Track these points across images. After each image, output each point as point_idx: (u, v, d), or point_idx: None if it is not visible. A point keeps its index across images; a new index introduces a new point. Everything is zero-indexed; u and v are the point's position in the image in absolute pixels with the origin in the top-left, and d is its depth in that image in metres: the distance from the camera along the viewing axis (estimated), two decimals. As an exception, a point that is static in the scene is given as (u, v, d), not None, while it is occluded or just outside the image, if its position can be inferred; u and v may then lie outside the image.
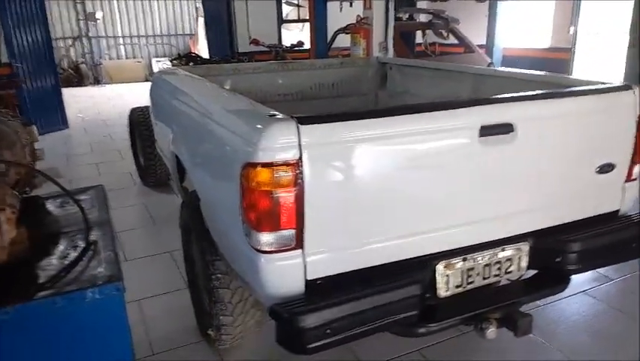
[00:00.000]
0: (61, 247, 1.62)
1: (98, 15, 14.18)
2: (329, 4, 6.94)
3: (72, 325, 1.37)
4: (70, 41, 14.12)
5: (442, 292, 1.91)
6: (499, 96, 1.95)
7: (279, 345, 1.69)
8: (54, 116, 7.87)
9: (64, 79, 11.12)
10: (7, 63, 7.06)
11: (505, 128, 1.84)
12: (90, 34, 14.38)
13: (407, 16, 8.26)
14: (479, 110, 1.83)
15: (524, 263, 2.07)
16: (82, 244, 1.61)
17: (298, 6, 10.06)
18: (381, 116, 1.70)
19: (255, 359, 2.54)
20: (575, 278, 2.19)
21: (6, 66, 7.04)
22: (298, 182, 1.58)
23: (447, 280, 1.91)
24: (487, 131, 1.81)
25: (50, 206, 1.97)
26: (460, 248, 1.92)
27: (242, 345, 2.52)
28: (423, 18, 8.51)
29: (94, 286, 1.37)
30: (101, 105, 10.51)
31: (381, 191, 1.73)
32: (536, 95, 2.01)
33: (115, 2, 14.57)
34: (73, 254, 1.55)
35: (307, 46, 7.78)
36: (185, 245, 2.69)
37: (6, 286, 1.36)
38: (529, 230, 2.04)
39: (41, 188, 2.06)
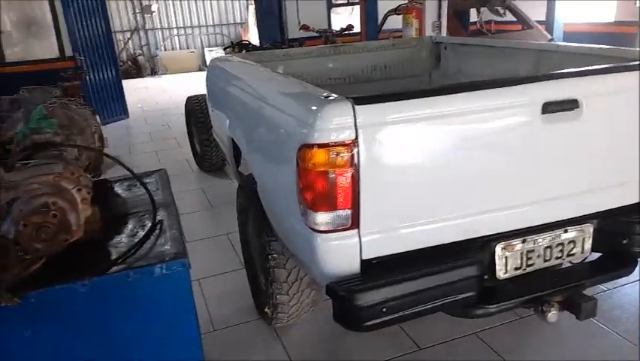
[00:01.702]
0: (130, 226, 1.72)
1: (154, 7, 14.63)
2: (379, -15, 6.83)
3: (142, 298, 1.45)
4: (128, 34, 14.66)
5: (501, 273, 1.87)
6: (562, 71, 1.87)
7: (336, 322, 1.72)
8: (115, 107, 8.25)
9: (123, 71, 11.56)
10: (70, 56, 7.43)
11: (570, 105, 1.77)
12: (146, 27, 14.86)
13: (461, -7, 7.98)
14: (541, 86, 1.76)
15: (588, 245, 2.00)
16: (149, 224, 1.70)
17: (347, -11, 9.94)
18: (438, 95, 1.67)
19: (311, 337, 2.60)
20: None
21: (70, 59, 7.41)
22: (354, 162, 1.59)
23: (505, 262, 1.88)
24: (550, 107, 1.74)
25: (118, 189, 2.08)
26: (520, 229, 1.87)
27: (297, 323, 2.59)
28: (477, -5, 8.20)
29: (162, 262, 1.45)
30: (158, 95, 10.89)
31: (438, 171, 1.72)
32: (602, 69, 1.91)
33: (169, -6, 14.97)
34: (141, 233, 1.64)
35: (357, 29, 7.70)
36: (242, 227, 2.78)
37: (82, 261, 1.46)
38: (594, 211, 1.96)
39: (105, 173, 2.17)
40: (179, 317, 1.51)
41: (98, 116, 2.24)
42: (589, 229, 1.97)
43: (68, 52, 7.42)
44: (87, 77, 7.46)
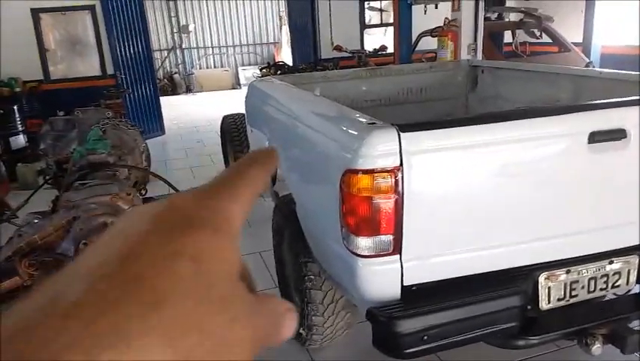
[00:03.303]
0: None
1: (191, 27, 15.07)
2: (413, 7, 6.87)
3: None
4: (165, 52, 15.12)
5: (544, 304, 1.84)
6: (609, 100, 1.85)
7: (375, 347, 1.72)
8: (153, 123, 8.47)
9: (159, 88, 11.92)
10: (112, 74, 7.71)
11: (618, 135, 1.75)
12: (183, 46, 15.31)
13: (496, 15, 7.97)
14: (588, 116, 1.75)
15: (633, 277, 1.95)
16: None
17: (381, 11, 10.04)
18: (482, 123, 1.68)
19: (344, 360, 2.59)
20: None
21: (111, 77, 7.68)
22: (398, 188, 1.61)
23: (549, 292, 1.84)
24: (597, 137, 1.73)
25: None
26: (564, 260, 1.84)
27: (330, 346, 2.59)
28: (513, 17, 8.17)
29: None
30: (193, 113, 11.14)
31: (481, 198, 1.72)
32: (650, 98, 1.89)
33: (206, 14, 15.40)
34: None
35: (390, 50, 7.75)
36: (277, 247, 2.80)
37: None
38: (640, 242, 1.92)
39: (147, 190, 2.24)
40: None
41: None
42: (635, 260, 1.93)
43: (110, 70, 7.70)
44: (128, 95, 7.70)
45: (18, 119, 6.33)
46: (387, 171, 1.59)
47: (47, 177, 2.04)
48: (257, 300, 0.28)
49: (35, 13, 7.18)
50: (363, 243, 1.67)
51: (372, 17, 10.47)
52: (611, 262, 1.90)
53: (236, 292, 0.26)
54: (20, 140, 6.30)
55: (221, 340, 0.23)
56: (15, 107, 6.36)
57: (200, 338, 0.22)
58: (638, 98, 1.87)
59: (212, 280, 0.24)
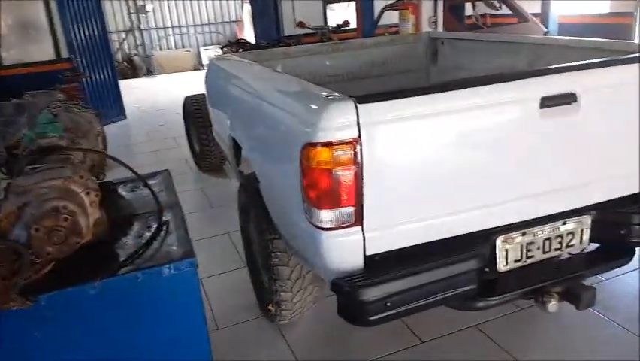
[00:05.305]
0: (136, 228, 1.74)
1: (149, 7, 14.59)
2: (375, -19, 6.84)
3: (151, 298, 1.48)
4: (123, 34, 14.63)
5: (502, 266, 1.91)
6: (559, 65, 1.90)
7: (340, 317, 1.75)
8: (113, 107, 8.25)
9: (119, 71, 11.54)
10: (67, 58, 7.43)
11: (568, 99, 1.80)
12: (141, 27, 14.83)
13: (456, -12, 7.99)
14: (539, 81, 1.79)
15: (586, 237, 2.03)
16: (154, 225, 1.72)
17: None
18: (437, 92, 1.70)
19: (314, 334, 2.63)
20: (638, 252, 2.13)
21: (66, 61, 7.41)
22: (357, 160, 1.62)
23: (506, 255, 1.91)
24: (548, 102, 1.77)
25: (122, 190, 2.10)
26: (519, 222, 1.90)
27: (300, 320, 2.62)
28: (472, -11, 8.22)
29: (170, 262, 1.47)
30: (155, 95, 10.88)
31: (438, 166, 1.75)
32: (600, 62, 1.94)
33: (163, -7, 14.94)
34: (148, 234, 1.67)
35: (353, 25, 7.70)
36: (244, 225, 2.80)
37: (92, 263, 1.48)
38: (592, 203, 1.99)
39: (106, 175, 2.18)
40: (188, 317, 1.54)
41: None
42: (587, 220, 2.01)
43: (64, 54, 7.42)
44: (84, 79, 7.46)
45: (-31, 107, 6.05)
46: (346, 143, 1.60)
47: (-2, 165, 1.97)
48: None
49: (-18, -4, 6.82)
50: (325, 216, 1.69)
51: (333, -8, 10.33)
52: (564, 223, 1.97)
53: None
54: (-28, 129, 6.05)
55: None
56: (-35, 96, 6.07)
57: None
58: (586, 62, 1.92)
59: None
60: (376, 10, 7.30)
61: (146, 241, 1.59)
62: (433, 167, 1.74)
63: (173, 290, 1.49)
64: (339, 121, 1.59)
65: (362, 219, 1.70)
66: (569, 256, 2.12)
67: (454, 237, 1.83)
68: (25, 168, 1.49)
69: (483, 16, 8.38)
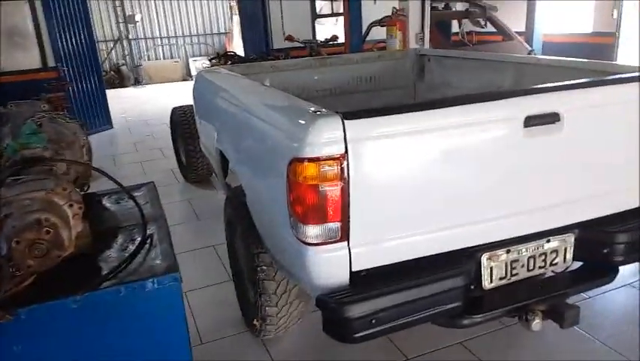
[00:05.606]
0: (120, 241, 1.72)
1: (137, 17, 14.57)
2: (363, -4, 6.93)
3: (134, 312, 1.45)
4: (111, 44, 14.57)
5: (487, 283, 1.91)
6: (543, 85, 1.93)
7: (326, 334, 1.74)
8: (99, 117, 8.19)
9: (106, 81, 11.47)
10: (53, 67, 7.36)
11: (551, 118, 1.83)
12: (130, 37, 14.79)
13: (443, 5, 8.14)
14: (524, 101, 1.82)
15: (570, 255, 2.05)
16: (138, 238, 1.70)
17: (332, 0, 10.04)
18: (424, 109, 1.72)
19: (299, 349, 2.60)
20: (621, 270, 2.15)
21: (53, 70, 7.34)
22: (344, 176, 1.62)
23: (491, 272, 1.92)
24: (532, 121, 1.80)
25: (106, 202, 2.08)
26: (504, 240, 1.91)
27: (285, 335, 2.60)
28: (459, 6, 8.37)
29: (153, 276, 1.45)
30: (142, 105, 10.83)
31: (424, 183, 1.76)
32: (583, 83, 1.98)
33: (152, 4, 14.92)
34: (132, 247, 1.65)
35: (341, 40, 7.78)
36: (230, 239, 2.78)
37: (74, 277, 1.46)
38: (575, 221, 2.02)
39: (91, 185, 2.15)
40: (170, 331, 1.51)
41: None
42: (570, 238, 2.03)
43: (51, 62, 7.35)
44: (70, 88, 7.39)
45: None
46: (333, 159, 1.60)
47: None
48: None
49: (-33, 3, 6.75)
50: (311, 231, 1.68)
51: (323, 7, 10.45)
52: (548, 241, 1.99)
53: None
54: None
55: None
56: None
57: None
58: (570, 83, 1.96)
59: None
60: (364, 26, 7.39)
61: (130, 255, 1.57)
62: (419, 184, 1.75)
63: (156, 305, 1.47)
64: (326, 137, 1.60)
65: (348, 235, 1.70)
66: (553, 274, 2.14)
67: (440, 254, 1.84)
68: (7, 179, 1.47)
69: (469, 33, 8.53)
